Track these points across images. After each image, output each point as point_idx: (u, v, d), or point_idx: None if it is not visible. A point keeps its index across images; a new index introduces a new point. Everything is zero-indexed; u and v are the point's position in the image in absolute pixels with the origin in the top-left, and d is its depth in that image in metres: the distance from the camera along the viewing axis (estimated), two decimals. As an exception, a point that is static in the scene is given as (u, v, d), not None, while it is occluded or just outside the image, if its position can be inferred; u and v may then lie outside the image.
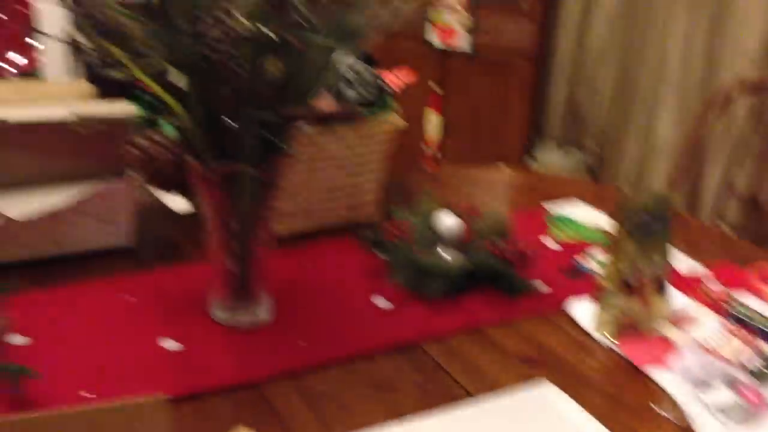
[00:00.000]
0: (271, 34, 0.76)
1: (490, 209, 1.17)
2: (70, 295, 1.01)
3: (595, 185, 1.91)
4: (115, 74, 0.78)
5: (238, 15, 0.72)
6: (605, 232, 1.24)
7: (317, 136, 1.15)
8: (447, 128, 3.09)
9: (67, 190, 1.06)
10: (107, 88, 1.57)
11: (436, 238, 1.09)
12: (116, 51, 0.75)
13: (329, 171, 1.20)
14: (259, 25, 0.75)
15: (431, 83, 3.02)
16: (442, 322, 1.00)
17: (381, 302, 1.03)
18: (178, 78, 0.76)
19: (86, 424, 0.61)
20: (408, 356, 0.93)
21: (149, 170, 0.95)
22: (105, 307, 0.98)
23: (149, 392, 0.81)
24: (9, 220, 1.01)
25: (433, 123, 3.09)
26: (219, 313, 0.96)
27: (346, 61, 0.86)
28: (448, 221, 1.09)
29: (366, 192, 1.26)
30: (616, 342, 0.96)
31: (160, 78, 0.79)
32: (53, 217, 1.05)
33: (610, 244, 0.96)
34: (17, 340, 0.90)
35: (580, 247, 1.22)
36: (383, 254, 1.10)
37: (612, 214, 1.03)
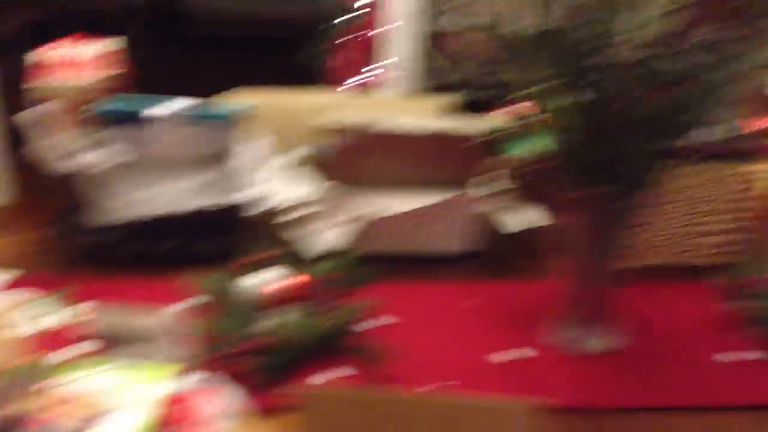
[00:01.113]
0: (667, 66, 0.74)
1: None
2: (423, 290, 1.08)
3: None
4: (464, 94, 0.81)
5: (636, 44, 0.72)
6: None
7: (677, 172, 1.10)
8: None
9: (424, 195, 1.13)
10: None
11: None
12: (513, 70, 0.79)
13: (681, 209, 1.14)
14: (655, 57, 0.74)
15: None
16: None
17: (735, 354, 0.95)
18: (568, 99, 0.77)
19: (450, 413, 0.64)
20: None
21: (516, 181, 0.98)
22: (450, 308, 1.04)
23: (488, 393, 0.83)
24: (373, 217, 1.11)
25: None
26: (560, 333, 0.96)
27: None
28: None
29: (716, 236, 1.17)
30: None
31: (546, 97, 0.81)
32: (409, 218, 1.14)
33: None
34: (381, 321, 0.97)
35: None
36: (740, 303, 1.01)
37: None
